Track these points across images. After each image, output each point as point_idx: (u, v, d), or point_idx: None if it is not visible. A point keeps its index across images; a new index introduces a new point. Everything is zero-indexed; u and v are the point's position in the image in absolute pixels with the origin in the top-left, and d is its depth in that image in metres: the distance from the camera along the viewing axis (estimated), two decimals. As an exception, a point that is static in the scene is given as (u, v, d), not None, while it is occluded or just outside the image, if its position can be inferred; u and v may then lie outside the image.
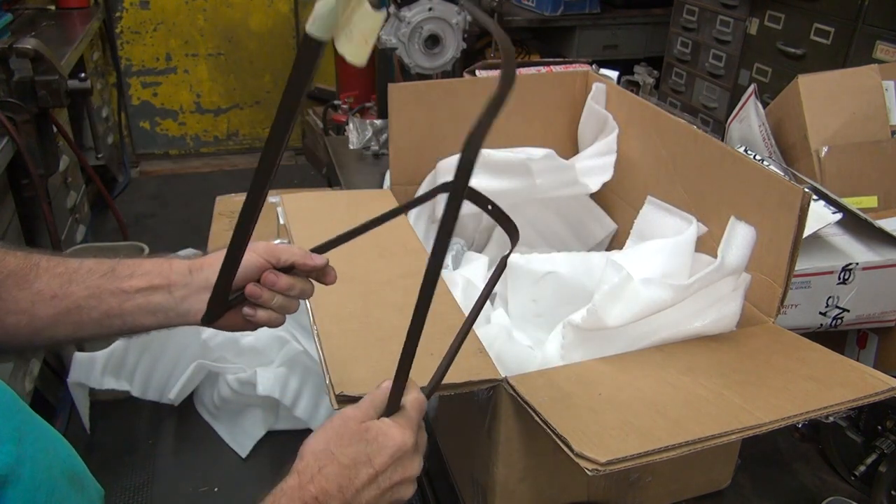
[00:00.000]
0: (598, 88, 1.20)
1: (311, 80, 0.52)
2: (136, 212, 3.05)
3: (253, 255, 0.67)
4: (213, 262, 0.68)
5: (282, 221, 1.06)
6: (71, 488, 0.60)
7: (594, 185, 1.12)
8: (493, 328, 0.96)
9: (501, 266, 0.73)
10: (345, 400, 0.67)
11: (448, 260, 1.12)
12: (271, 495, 0.57)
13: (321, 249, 0.70)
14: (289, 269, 0.68)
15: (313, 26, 0.47)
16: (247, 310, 0.68)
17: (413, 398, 0.62)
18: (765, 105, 1.27)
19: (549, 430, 0.64)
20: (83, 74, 1.69)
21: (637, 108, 1.11)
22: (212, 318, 0.68)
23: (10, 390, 0.56)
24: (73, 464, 0.62)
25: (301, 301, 0.71)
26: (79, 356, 1.73)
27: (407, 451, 0.59)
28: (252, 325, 0.69)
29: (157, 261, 0.69)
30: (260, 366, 1.72)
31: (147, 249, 1.96)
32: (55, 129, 1.77)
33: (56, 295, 0.65)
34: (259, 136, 3.71)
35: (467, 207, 1.16)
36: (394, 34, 2.55)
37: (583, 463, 0.60)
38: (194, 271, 0.68)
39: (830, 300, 0.96)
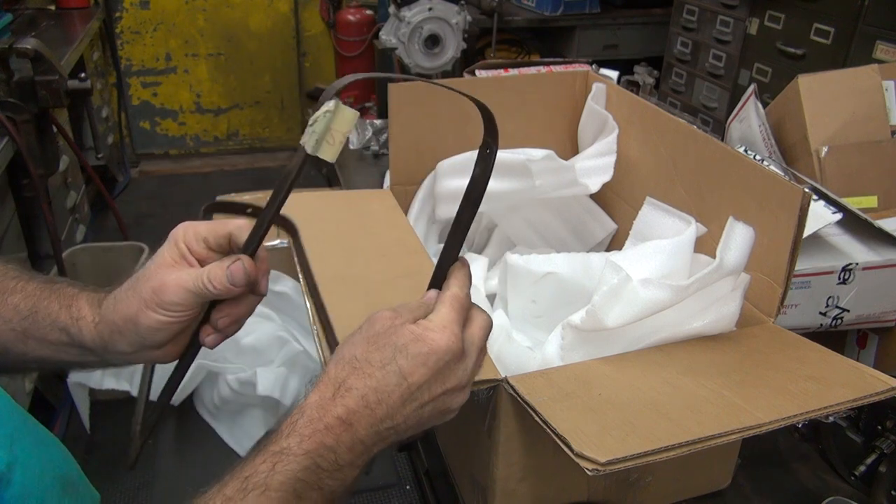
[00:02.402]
0: (598, 88, 1.20)
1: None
2: (136, 212, 3.05)
3: (159, 322, 0.56)
4: (120, 326, 0.58)
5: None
6: (64, 494, 0.59)
7: (594, 185, 1.12)
8: (492, 329, 0.96)
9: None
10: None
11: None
12: (289, 417, 0.51)
13: (249, 246, 0.59)
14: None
15: (310, 145, 0.52)
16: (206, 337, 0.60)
17: (451, 294, 0.56)
18: (765, 105, 1.27)
19: (549, 430, 0.64)
20: (83, 74, 1.69)
21: (637, 108, 1.11)
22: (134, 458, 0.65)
23: (5, 394, 0.56)
24: (68, 469, 0.61)
25: (301, 302, 0.70)
26: (79, 356, 1.73)
27: (448, 357, 0.53)
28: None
29: (69, 315, 0.60)
30: (260, 366, 1.72)
31: (147, 249, 1.96)
32: (55, 129, 1.77)
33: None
34: (259, 136, 3.71)
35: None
36: (394, 34, 2.55)
37: (583, 463, 0.60)
38: (108, 344, 0.59)
39: (830, 300, 0.96)
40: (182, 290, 0.56)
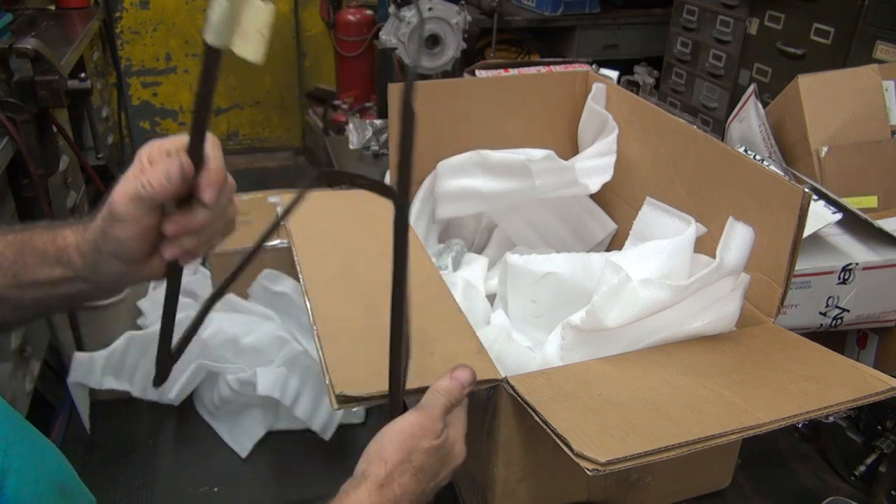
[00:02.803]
0: (598, 88, 1.20)
1: (215, 87, 0.55)
2: (136, 212, 3.04)
3: (126, 227, 0.57)
4: (100, 243, 0.59)
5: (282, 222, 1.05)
6: (60, 500, 0.59)
7: (594, 185, 1.12)
8: (492, 329, 0.96)
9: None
10: (345, 400, 0.67)
11: (448, 261, 1.12)
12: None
13: (191, 149, 0.59)
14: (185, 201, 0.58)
15: (210, 35, 0.49)
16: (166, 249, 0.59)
17: (463, 411, 0.66)
18: (765, 105, 1.27)
19: (549, 430, 0.64)
20: (83, 74, 1.69)
21: (637, 108, 1.11)
22: (162, 378, 0.66)
23: (0, 400, 0.56)
24: (64, 474, 0.61)
25: (302, 301, 0.70)
26: (79, 356, 1.73)
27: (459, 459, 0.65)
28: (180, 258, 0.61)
29: (59, 246, 0.61)
30: (260, 366, 1.72)
31: (147, 249, 1.95)
32: (55, 129, 1.77)
33: None
34: (259, 136, 3.71)
35: (467, 208, 1.16)
36: (394, 34, 2.55)
37: (583, 463, 0.60)
38: (96, 267, 0.61)
39: (830, 300, 0.96)
40: (126, 198, 0.57)
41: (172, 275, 0.62)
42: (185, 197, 0.58)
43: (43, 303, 0.63)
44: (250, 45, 0.50)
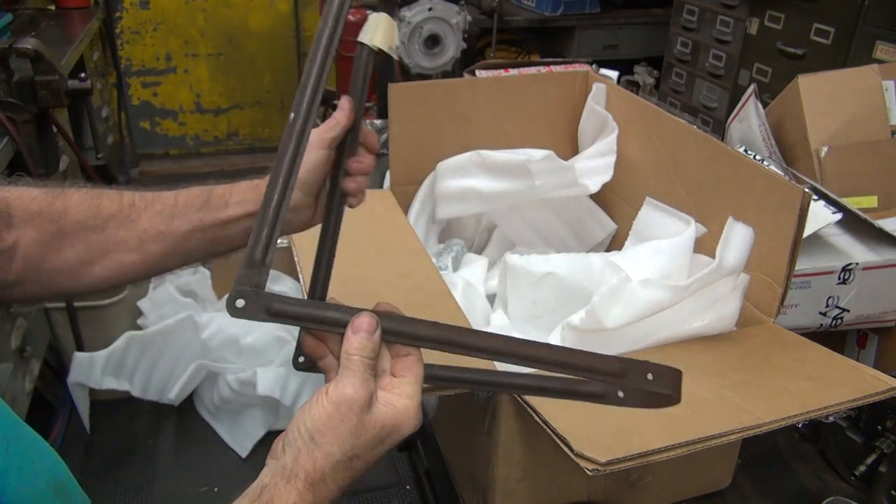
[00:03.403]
0: (598, 88, 1.20)
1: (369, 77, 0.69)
2: (136, 212, 3.04)
3: (315, 153, 0.69)
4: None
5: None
6: (57, 499, 0.59)
7: (594, 185, 1.12)
8: (492, 329, 0.96)
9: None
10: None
11: (448, 261, 1.12)
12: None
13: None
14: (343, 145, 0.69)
15: (365, 37, 0.69)
16: (352, 200, 0.68)
17: (418, 370, 0.59)
18: (765, 105, 1.27)
19: (549, 430, 0.64)
20: (83, 74, 1.69)
21: (637, 108, 1.11)
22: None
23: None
24: (59, 473, 0.61)
25: None
26: (79, 356, 1.73)
27: (410, 416, 0.57)
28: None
29: (247, 186, 0.70)
30: (260, 366, 1.72)
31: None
32: (55, 129, 1.77)
33: (161, 232, 0.67)
34: (259, 136, 3.71)
35: (467, 208, 1.16)
36: (394, 34, 2.55)
37: (583, 463, 0.60)
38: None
39: (830, 300, 0.96)
40: (319, 132, 0.70)
41: (331, 213, 0.68)
42: (355, 150, 0.69)
43: (214, 247, 0.69)
44: (386, 44, 0.68)
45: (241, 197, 0.69)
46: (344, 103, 0.69)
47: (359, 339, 0.56)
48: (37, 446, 0.59)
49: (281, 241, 1.31)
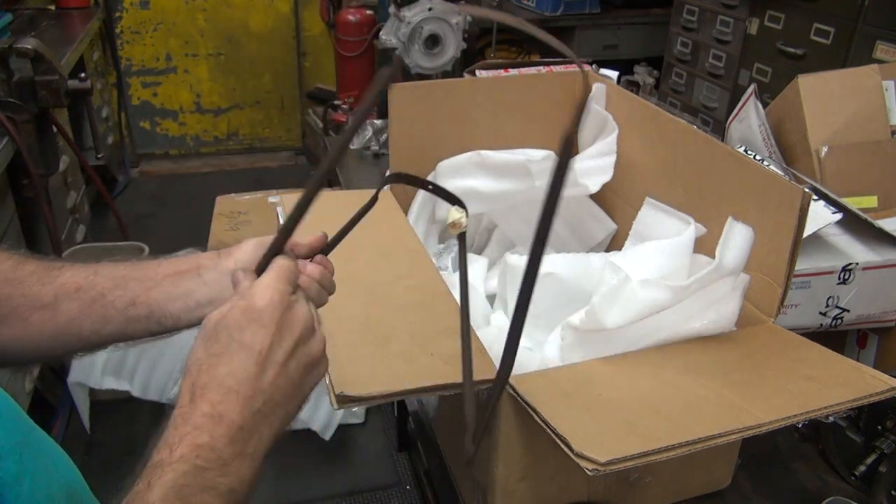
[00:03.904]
0: (598, 88, 1.20)
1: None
2: (136, 212, 3.05)
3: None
4: (242, 249, 0.64)
5: (282, 221, 1.05)
6: None
7: (594, 185, 1.12)
8: (492, 330, 0.96)
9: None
10: (345, 400, 0.67)
11: (448, 261, 1.12)
12: (157, 438, 0.51)
13: (325, 251, 0.67)
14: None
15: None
16: None
17: (277, 263, 0.56)
18: (765, 105, 1.27)
19: (549, 430, 0.64)
20: (83, 74, 1.69)
21: (637, 108, 1.11)
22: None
23: (13, 402, 0.54)
24: (73, 478, 0.60)
25: None
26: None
27: (281, 309, 0.52)
28: None
29: (184, 255, 0.66)
30: (260, 366, 1.72)
31: (147, 249, 1.96)
32: (55, 129, 1.77)
33: (81, 287, 0.62)
34: (259, 136, 3.71)
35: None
36: (394, 34, 2.55)
37: (583, 463, 0.60)
38: (223, 256, 0.65)
39: (830, 300, 0.96)
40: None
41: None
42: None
43: (134, 309, 0.63)
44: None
45: (177, 259, 0.65)
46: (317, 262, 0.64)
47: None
48: (51, 452, 0.58)
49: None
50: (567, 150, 0.56)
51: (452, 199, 0.70)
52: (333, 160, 0.57)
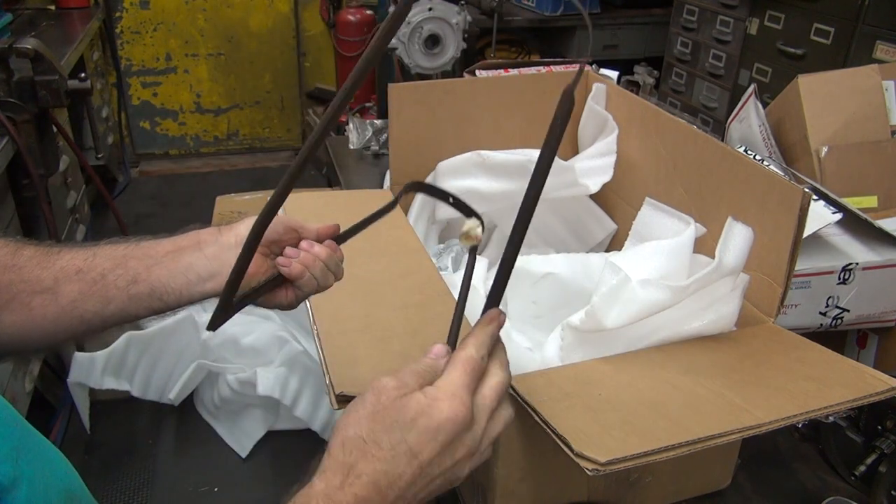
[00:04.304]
0: (598, 88, 1.20)
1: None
2: (136, 212, 3.05)
3: (275, 227, 0.63)
4: (244, 223, 0.65)
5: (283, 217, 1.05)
6: None
7: (594, 185, 1.12)
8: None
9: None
10: (345, 400, 0.67)
11: (448, 261, 1.12)
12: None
13: (339, 241, 0.68)
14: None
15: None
16: (281, 259, 0.63)
17: (465, 356, 0.53)
18: (765, 105, 1.27)
19: (549, 430, 0.64)
20: (83, 74, 1.69)
21: (637, 108, 1.11)
22: (216, 323, 0.65)
23: (9, 406, 0.54)
24: (71, 482, 0.60)
25: (302, 302, 0.69)
26: (79, 356, 1.73)
27: (458, 428, 0.50)
28: (286, 300, 0.65)
29: (183, 232, 0.67)
30: (260, 366, 1.72)
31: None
32: (55, 129, 1.77)
33: (80, 269, 0.62)
34: (259, 136, 3.71)
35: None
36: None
37: (583, 463, 0.60)
38: (224, 231, 0.65)
39: (830, 300, 0.96)
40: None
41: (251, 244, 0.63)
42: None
43: (135, 287, 0.63)
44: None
45: (177, 236, 0.65)
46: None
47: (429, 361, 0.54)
48: (49, 455, 0.58)
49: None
50: (566, 107, 0.56)
51: (472, 213, 0.69)
52: (325, 128, 0.56)
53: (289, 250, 0.64)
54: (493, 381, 0.54)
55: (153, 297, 0.63)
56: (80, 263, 0.62)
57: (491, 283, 1.11)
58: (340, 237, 0.67)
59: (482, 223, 0.68)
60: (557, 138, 0.57)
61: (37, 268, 0.62)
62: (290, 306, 0.67)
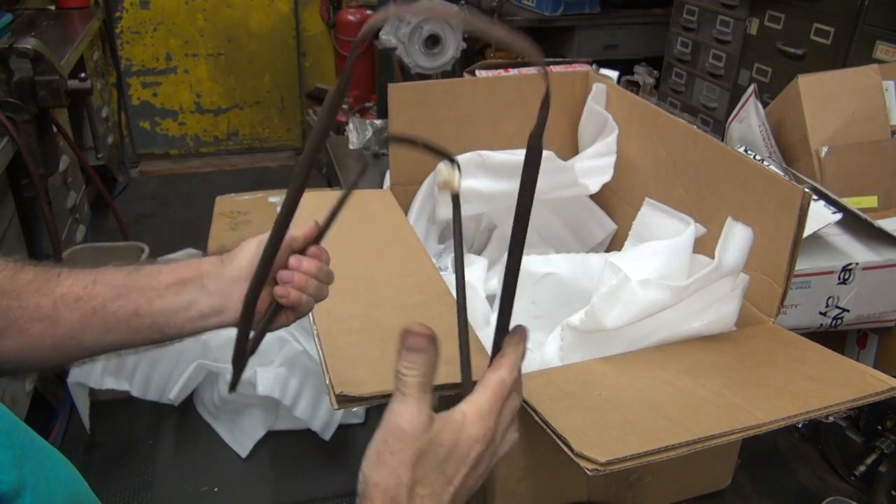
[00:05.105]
0: (598, 89, 1.20)
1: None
2: (136, 212, 3.05)
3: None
4: (244, 252, 0.64)
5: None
6: None
7: (594, 185, 1.12)
8: (492, 330, 0.96)
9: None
10: (345, 400, 0.67)
11: (448, 262, 1.12)
12: None
13: (318, 239, 0.66)
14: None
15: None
16: (278, 290, 0.62)
17: (498, 379, 0.54)
18: (765, 105, 1.27)
19: (549, 430, 0.64)
20: (83, 74, 1.69)
21: (637, 108, 1.11)
22: (236, 383, 0.65)
23: (10, 413, 0.54)
24: (76, 488, 0.59)
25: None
26: (79, 356, 1.73)
27: (485, 445, 0.53)
28: (287, 321, 0.65)
29: (185, 260, 0.65)
30: (260, 366, 1.72)
31: (147, 249, 1.96)
32: (55, 129, 1.77)
33: (80, 297, 0.61)
34: (259, 136, 3.71)
35: (467, 209, 1.16)
36: (394, 34, 2.55)
37: (583, 463, 0.60)
38: (226, 262, 0.64)
39: (830, 300, 0.96)
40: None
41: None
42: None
43: (137, 319, 0.63)
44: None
45: (178, 265, 0.64)
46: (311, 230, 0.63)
47: (414, 357, 0.51)
48: (52, 461, 0.57)
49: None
50: (537, 151, 0.57)
51: (445, 156, 0.67)
52: (321, 133, 0.56)
53: (283, 275, 0.62)
54: (514, 403, 0.57)
55: (154, 330, 0.63)
56: (80, 291, 0.62)
57: (490, 283, 1.11)
58: (321, 233, 0.65)
59: (458, 167, 0.67)
60: (539, 150, 0.58)
61: (36, 294, 0.61)
62: (289, 324, 0.67)
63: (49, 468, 0.56)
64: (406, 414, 0.50)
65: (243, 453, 1.48)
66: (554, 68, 1.40)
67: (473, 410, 0.53)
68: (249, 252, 0.63)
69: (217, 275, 0.63)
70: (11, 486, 0.49)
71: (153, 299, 0.62)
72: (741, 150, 1.10)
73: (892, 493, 0.87)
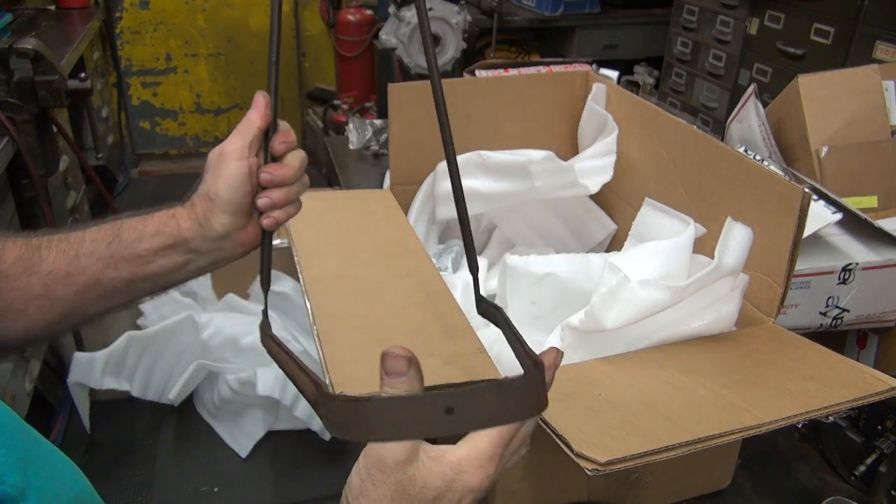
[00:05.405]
0: (598, 89, 1.20)
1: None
2: (136, 212, 3.05)
3: (233, 166, 0.62)
4: (218, 205, 0.63)
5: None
6: None
7: (594, 186, 1.12)
8: (492, 330, 0.96)
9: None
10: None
11: (448, 262, 1.12)
12: None
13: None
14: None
15: None
16: (265, 221, 0.62)
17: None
18: (765, 105, 1.27)
19: (549, 430, 0.64)
20: (83, 74, 1.69)
21: (637, 108, 1.11)
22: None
23: (15, 415, 0.54)
24: (81, 489, 0.58)
25: (302, 301, 0.69)
26: (79, 356, 1.72)
27: (479, 493, 0.49)
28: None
29: (162, 216, 0.65)
30: (260, 366, 1.72)
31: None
32: (55, 129, 1.77)
33: (69, 273, 0.62)
34: (259, 136, 3.71)
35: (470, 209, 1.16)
36: (394, 34, 2.56)
37: (583, 463, 0.60)
38: (204, 224, 0.64)
39: (830, 300, 0.96)
40: (232, 141, 0.63)
41: (265, 238, 0.64)
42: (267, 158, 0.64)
43: (139, 280, 0.64)
44: None
45: (157, 228, 0.64)
46: (258, 99, 0.63)
47: (396, 381, 0.48)
48: (57, 463, 0.57)
49: (281, 241, 1.30)
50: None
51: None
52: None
53: (261, 202, 0.62)
54: (523, 452, 0.55)
55: (157, 286, 0.66)
56: (66, 267, 0.62)
57: (491, 283, 1.11)
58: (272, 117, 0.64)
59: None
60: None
61: (23, 274, 0.61)
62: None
63: (54, 470, 0.56)
64: (388, 443, 0.47)
65: (243, 453, 1.48)
66: (554, 68, 1.40)
67: (473, 456, 0.48)
68: (217, 186, 0.63)
69: (202, 237, 0.64)
70: (16, 488, 0.49)
71: (144, 266, 0.64)
72: (741, 150, 1.10)
73: (892, 493, 0.87)
